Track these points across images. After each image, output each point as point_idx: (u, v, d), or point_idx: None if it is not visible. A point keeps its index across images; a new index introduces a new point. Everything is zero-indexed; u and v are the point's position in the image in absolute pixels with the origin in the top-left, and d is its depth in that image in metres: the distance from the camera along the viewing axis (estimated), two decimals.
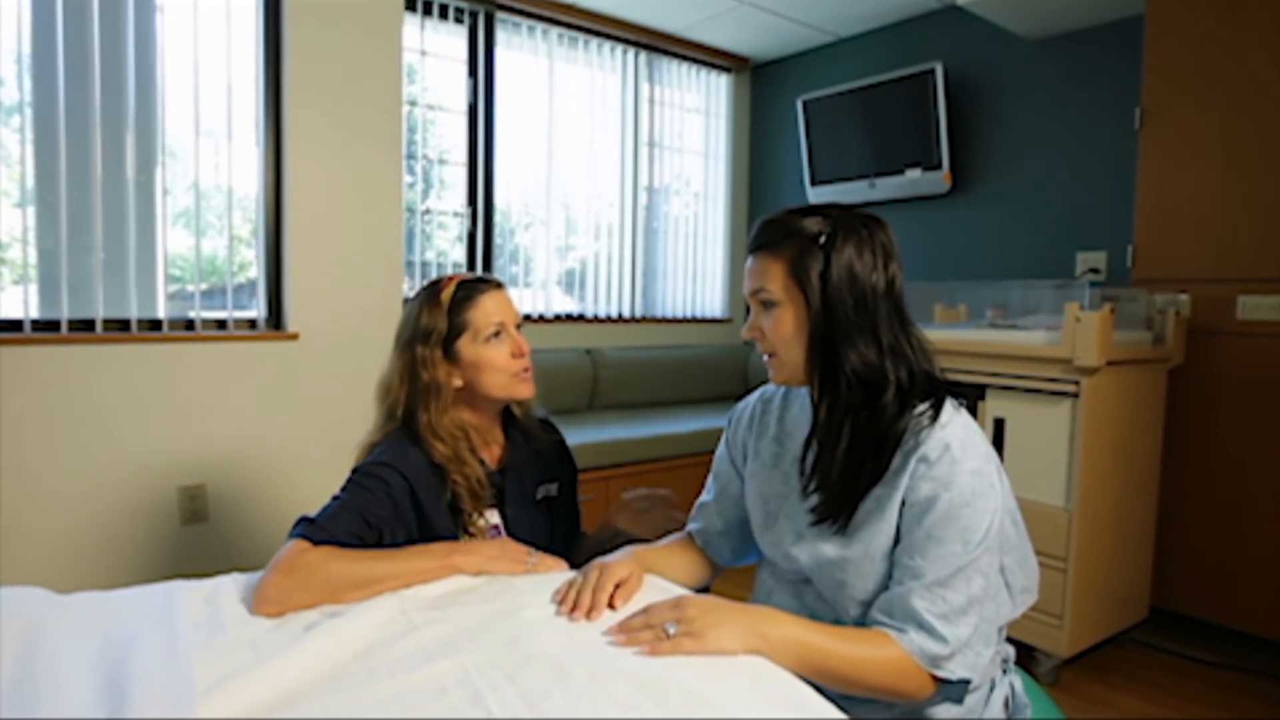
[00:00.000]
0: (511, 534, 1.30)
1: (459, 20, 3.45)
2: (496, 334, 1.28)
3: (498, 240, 3.65)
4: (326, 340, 2.64)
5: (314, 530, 1.07)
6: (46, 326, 2.28)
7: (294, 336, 2.59)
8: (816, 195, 3.93)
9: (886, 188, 3.62)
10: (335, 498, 1.16)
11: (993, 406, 2.24)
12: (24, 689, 0.80)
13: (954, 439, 0.95)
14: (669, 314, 4.25)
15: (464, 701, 0.77)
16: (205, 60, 2.50)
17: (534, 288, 3.80)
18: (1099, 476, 2.13)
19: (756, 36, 4.00)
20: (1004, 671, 1.09)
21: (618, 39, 3.90)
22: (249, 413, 2.53)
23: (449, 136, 3.50)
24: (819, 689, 0.86)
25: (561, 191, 3.86)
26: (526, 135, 3.68)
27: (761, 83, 4.43)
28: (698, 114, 4.35)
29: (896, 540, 0.97)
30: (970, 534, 0.92)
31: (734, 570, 1.29)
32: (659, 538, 1.29)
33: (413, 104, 3.35)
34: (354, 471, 1.20)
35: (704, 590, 1.26)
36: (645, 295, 4.16)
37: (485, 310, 1.28)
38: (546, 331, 3.72)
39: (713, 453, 1.29)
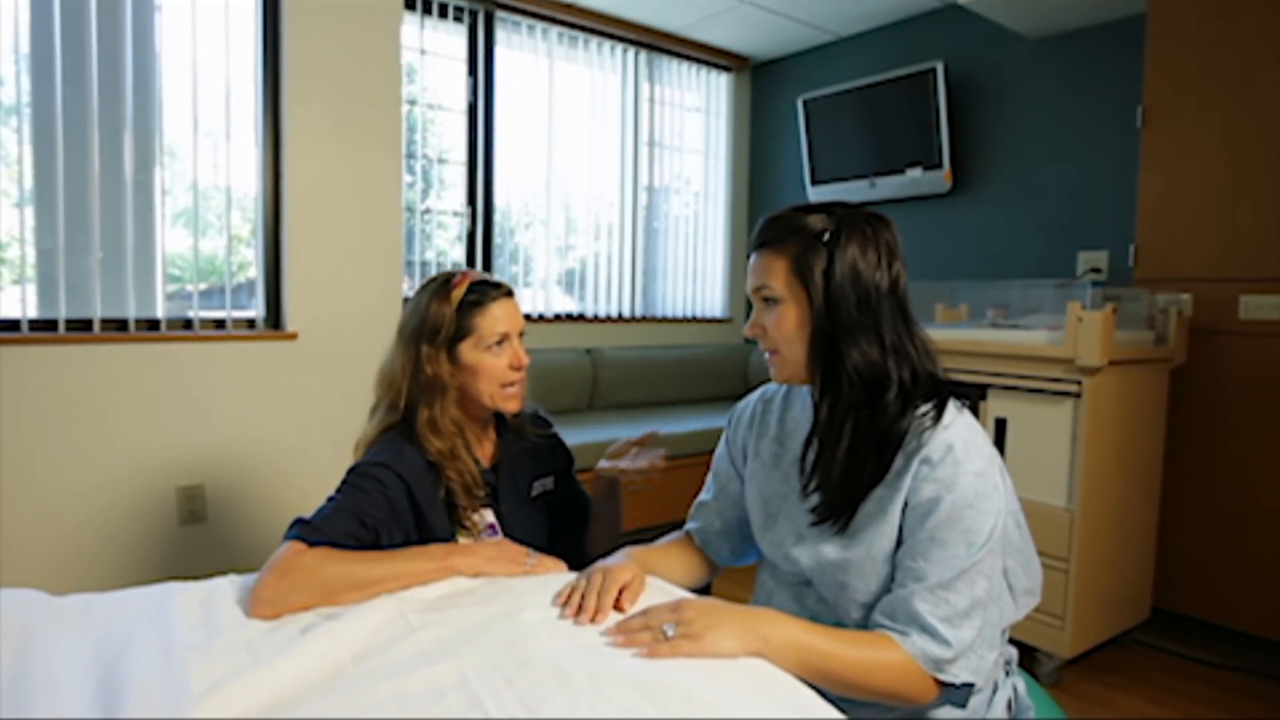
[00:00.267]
0: (507, 532, 1.29)
1: (458, 19, 3.45)
2: (499, 343, 1.27)
3: (497, 240, 3.64)
4: (326, 340, 2.63)
5: (310, 532, 1.07)
6: (44, 326, 2.27)
7: (293, 336, 2.58)
8: (817, 194, 3.92)
9: (887, 187, 3.61)
10: (331, 499, 1.15)
11: (994, 406, 2.23)
12: (18, 691, 0.79)
13: (957, 440, 0.94)
14: (669, 314, 4.24)
15: (462, 704, 0.76)
16: (204, 59, 2.49)
17: (534, 287, 3.79)
18: (1101, 477, 2.13)
19: (757, 35, 4.00)
20: (1006, 674, 1.08)
21: (618, 38, 3.90)
22: (248, 412, 2.52)
23: (449, 136, 3.49)
24: (820, 692, 0.85)
25: (561, 191, 3.85)
26: (526, 135, 3.68)
27: (762, 82, 4.42)
28: (698, 113, 4.34)
29: (899, 542, 0.96)
30: (974, 536, 0.91)
31: (734, 570, 1.28)
32: (644, 477, 1.37)
33: (412, 103, 3.34)
34: (349, 472, 1.20)
35: (704, 590, 1.25)
36: (645, 295, 4.16)
37: (493, 317, 1.27)
38: (546, 331, 3.71)
39: (712, 452, 1.29)
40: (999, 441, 2.21)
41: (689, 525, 1.25)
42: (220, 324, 2.57)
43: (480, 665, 0.83)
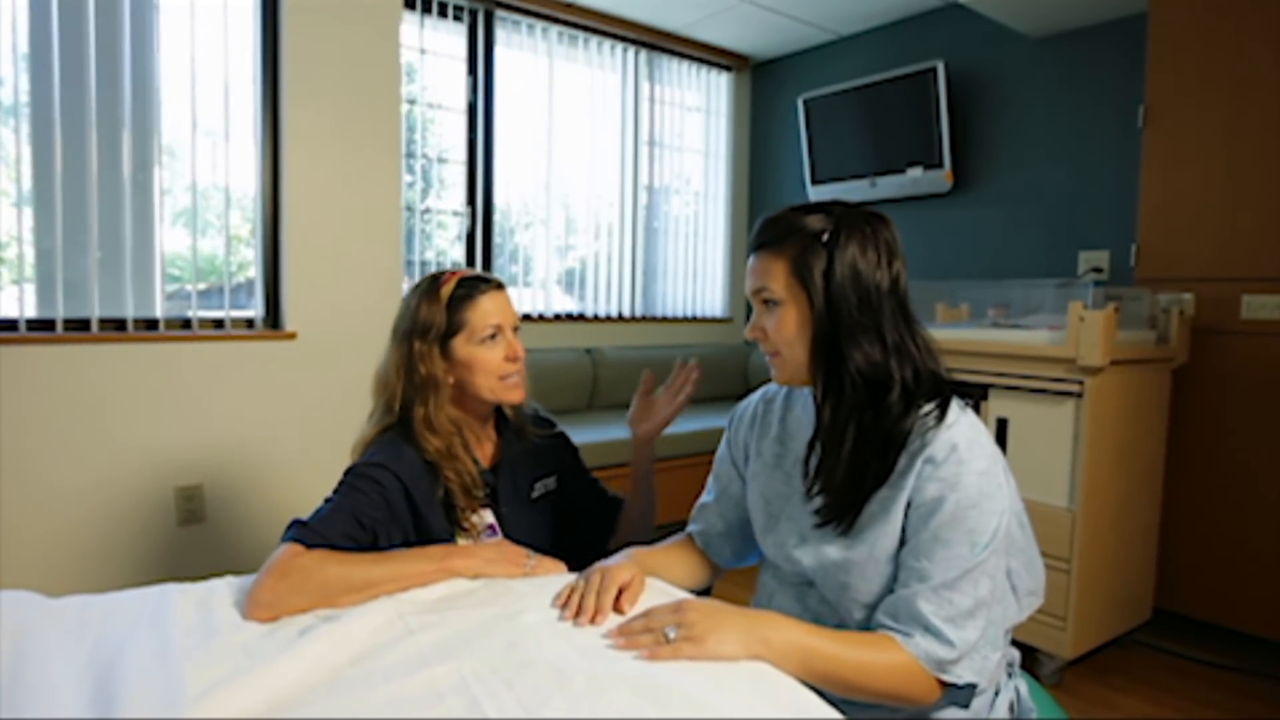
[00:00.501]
0: (507, 534, 1.28)
1: (458, 18, 3.44)
2: (492, 336, 1.26)
3: (497, 239, 3.64)
4: (325, 339, 2.63)
5: (307, 533, 1.06)
6: (42, 326, 2.26)
7: (292, 336, 2.57)
8: (817, 194, 3.92)
9: (887, 187, 3.60)
10: (328, 500, 1.14)
11: (995, 406, 2.23)
12: (13, 694, 0.78)
13: (961, 439, 0.94)
14: (669, 313, 4.24)
15: (461, 707, 0.76)
16: (203, 58, 2.49)
17: (534, 287, 3.78)
18: (1103, 477, 2.12)
19: (757, 35, 3.99)
20: (1009, 675, 1.07)
21: (618, 37, 3.89)
22: (247, 412, 2.51)
23: (448, 135, 3.48)
24: (822, 694, 0.84)
25: (561, 190, 3.84)
26: (526, 134, 3.67)
27: (762, 81, 4.41)
28: (698, 113, 4.33)
29: (902, 542, 0.96)
30: (977, 536, 0.91)
31: (736, 572, 1.28)
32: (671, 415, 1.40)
33: (412, 102, 3.33)
34: (347, 472, 1.19)
35: (705, 591, 1.25)
36: (645, 294, 4.15)
37: (483, 310, 1.27)
38: (546, 331, 3.71)
39: (713, 453, 1.28)
40: (1000, 442, 2.20)
41: (690, 528, 1.25)
42: (219, 324, 2.56)
43: (479, 668, 0.82)
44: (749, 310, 1.05)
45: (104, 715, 0.74)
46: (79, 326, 2.31)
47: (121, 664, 0.83)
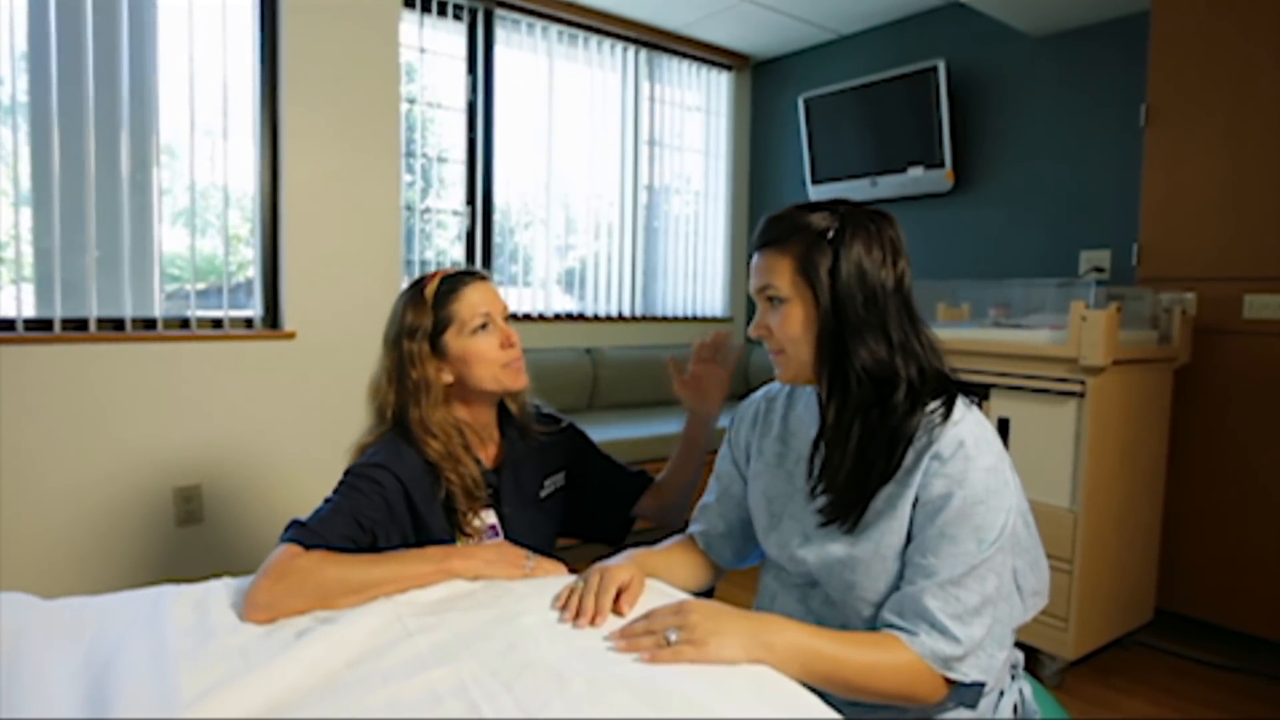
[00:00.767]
0: (509, 534, 1.27)
1: (458, 17, 3.43)
2: (484, 325, 1.25)
3: (497, 239, 3.63)
4: (324, 339, 2.62)
5: (306, 534, 1.05)
6: (40, 326, 2.25)
7: (291, 335, 2.56)
8: (818, 194, 3.91)
9: (888, 186, 3.59)
10: (327, 500, 1.13)
11: (997, 406, 2.22)
12: (7, 696, 0.78)
13: (967, 435, 0.93)
14: (669, 313, 4.23)
15: (460, 711, 0.75)
16: (201, 57, 2.48)
17: (534, 287, 3.78)
18: (1105, 477, 2.11)
19: (757, 34, 3.98)
20: (1013, 677, 1.06)
21: (618, 36, 3.88)
22: (246, 412, 2.51)
23: (448, 134, 3.48)
24: (825, 696, 0.84)
25: (561, 190, 3.83)
26: (526, 133, 3.66)
27: (762, 80, 4.41)
28: (698, 112, 4.32)
29: (908, 540, 0.95)
30: (984, 532, 0.90)
31: (737, 572, 1.27)
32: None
33: (412, 102, 3.33)
34: (346, 473, 1.18)
35: (708, 592, 1.24)
36: (645, 294, 4.14)
37: (470, 302, 1.26)
38: (546, 330, 3.70)
39: (714, 453, 1.27)
40: (1002, 442, 2.19)
41: (691, 528, 1.24)
42: (218, 323, 2.55)
43: (478, 670, 0.82)
44: (749, 310, 1.04)
45: (98, 717, 0.74)
46: (77, 326, 2.30)
47: (116, 666, 0.83)
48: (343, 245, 2.64)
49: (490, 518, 1.27)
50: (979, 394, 2.25)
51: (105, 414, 2.28)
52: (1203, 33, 2.34)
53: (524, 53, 3.64)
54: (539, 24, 3.64)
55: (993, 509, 0.91)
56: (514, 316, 3.63)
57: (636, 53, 3.99)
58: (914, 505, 0.94)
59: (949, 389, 0.97)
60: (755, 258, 1.03)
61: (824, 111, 3.79)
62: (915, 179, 3.49)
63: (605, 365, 3.75)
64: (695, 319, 4.32)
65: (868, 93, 3.58)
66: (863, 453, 0.96)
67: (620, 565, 1.03)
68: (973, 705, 0.95)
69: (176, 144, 2.51)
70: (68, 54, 2.26)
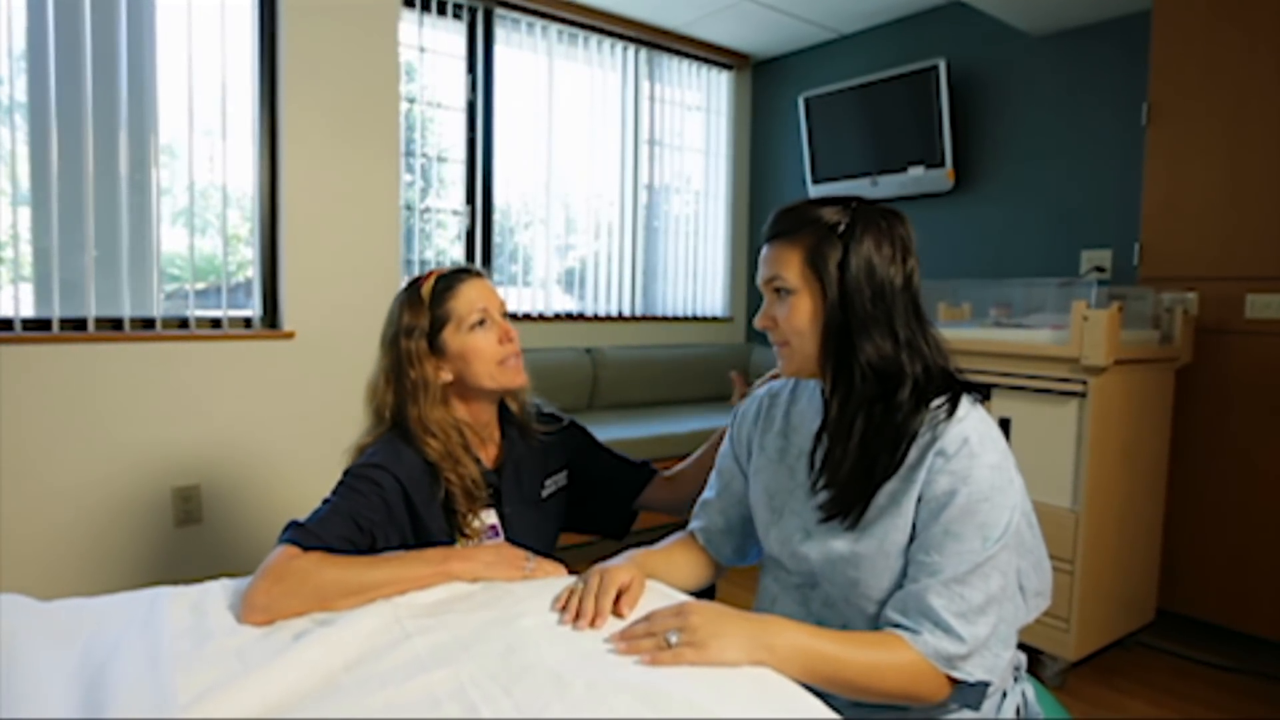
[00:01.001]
0: (510, 535, 1.27)
1: (457, 17, 3.42)
2: (481, 321, 1.25)
3: (497, 239, 3.62)
4: (323, 339, 2.61)
5: (304, 535, 1.04)
6: (38, 325, 2.25)
7: (290, 335, 2.56)
8: (818, 193, 3.88)
9: (889, 185, 3.59)
10: (326, 501, 1.12)
11: (998, 406, 2.21)
12: (2, 699, 0.77)
13: (972, 433, 0.93)
14: (669, 313, 4.22)
15: (459, 713, 0.74)
16: (200, 57, 2.47)
17: (534, 286, 3.77)
18: (1106, 477, 2.11)
19: (757, 33, 3.97)
20: (1015, 679, 1.06)
21: (618, 36, 3.87)
22: (245, 412, 2.50)
23: (448, 134, 3.47)
24: (827, 698, 0.83)
25: (561, 190, 3.83)
26: (526, 133, 3.66)
27: (763, 80, 4.40)
28: (698, 111, 4.32)
29: (911, 538, 0.94)
30: (989, 530, 0.90)
31: (738, 573, 1.26)
32: None
33: (411, 101, 3.32)
34: (345, 474, 1.17)
35: (710, 590, 1.23)
36: (645, 294, 4.13)
37: (467, 298, 1.25)
38: (546, 330, 3.69)
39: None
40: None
41: (692, 524, 1.24)
42: (216, 323, 2.54)
43: (477, 673, 0.81)
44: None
45: (93, 719, 0.73)
46: (75, 326, 2.30)
47: (112, 668, 0.82)
48: (342, 245, 2.64)
49: (491, 518, 1.27)
50: (983, 393, 2.24)
51: (104, 414, 2.28)
52: (1204, 31, 2.34)
53: (524, 52, 3.63)
54: (539, 23, 3.63)
55: (997, 506, 0.91)
56: (514, 316, 3.64)
57: (636, 52, 3.98)
58: (918, 503, 0.94)
59: (954, 387, 0.97)
60: (765, 249, 1.02)
61: (824, 111, 3.79)
62: (916, 178, 3.49)
63: (605, 365, 3.74)
64: (695, 319, 4.31)
65: (868, 92, 3.57)
66: (866, 448, 0.96)
67: (620, 566, 1.02)
68: (976, 706, 0.94)
69: (175, 143, 2.50)
70: (66, 53, 2.26)
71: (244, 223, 2.66)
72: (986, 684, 0.91)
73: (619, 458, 1.48)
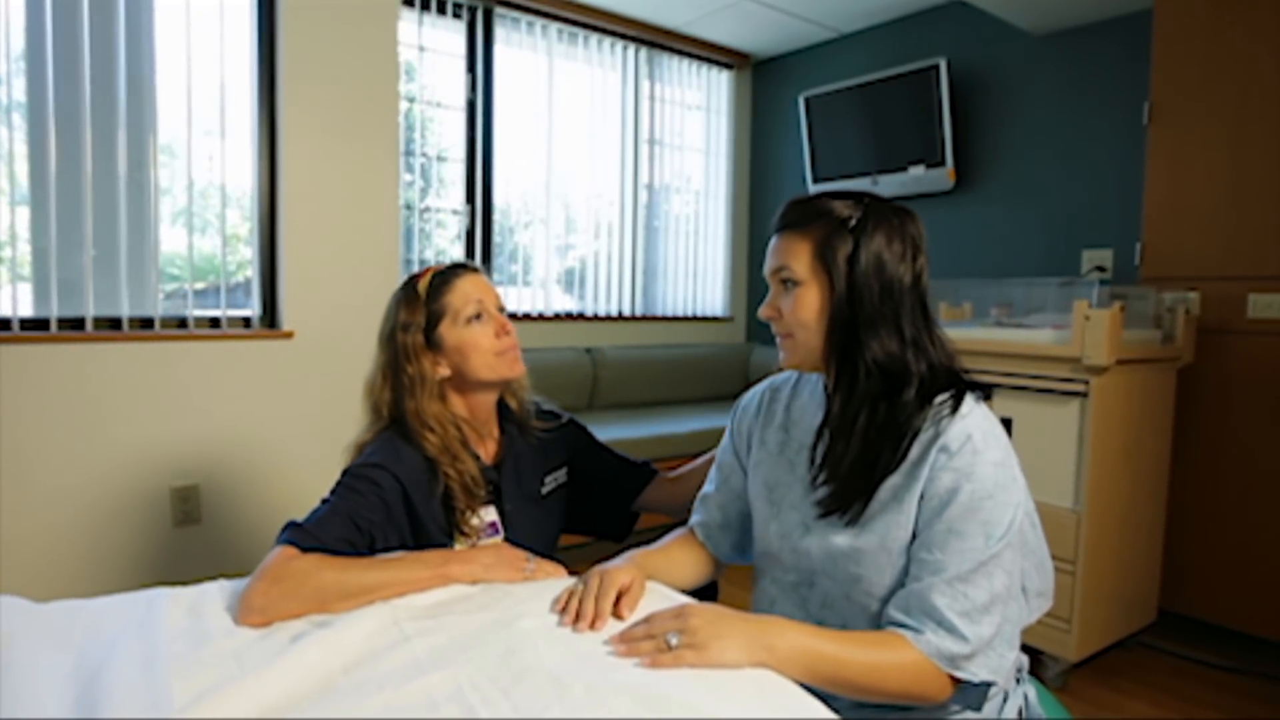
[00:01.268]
0: (511, 532, 1.26)
1: (457, 16, 3.42)
2: (477, 315, 1.25)
3: (497, 238, 3.62)
4: (322, 339, 2.60)
5: (302, 536, 1.03)
6: (36, 325, 2.24)
7: (289, 335, 2.55)
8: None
9: (889, 185, 3.58)
10: (325, 501, 1.12)
11: (999, 406, 2.21)
12: None
13: (975, 429, 0.92)
14: (669, 312, 4.22)
15: (457, 716, 0.74)
16: (199, 57, 2.46)
17: (533, 286, 3.76)
18: (1108, 477, 2.10)
19: (758, 32, 3.97)
20: (1018, 681, 1.05)
21: (618, 35, 3.87)
22: (244, 412, 2.49)
23: (448, 133, 3.46)
24: (828, 699, 0.82)
25: (561, 189, 3.82)
26: (526, 132, 3.65)
27: (763, 79, 4.39)
28: (698, 111, 4.31)
29: (913, 536, 0.94)
30: (993, 527, 0.89)
31: (739, 573, 1.26)
32: None
33: (411, 101, 3.31)
34: (344, 473, 1.17)
35: (711, 587, 1.23)
36: (645, 293, 4.13)
37: (463, 292, 1.25)
38: (546, 330, 3.69)
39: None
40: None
41: (692, 519, 1.23)
42: (215, 323, 2.54)
43: (476, 676, 0.80)
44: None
45: None
46: (74, 326, 2.29)
47: (107, 671, 0.81)
48: (341, 244, 2.63)
49: (490, 515, 1.26)
50: (986, 391, 2.24)
51: (102, 414, 2.27)
52: (1206, 30, 2.33)
53: (524, 51, 3.63)
54: (539, 22, 3.62)
55: (1000, 504, 0.90)
56: (514, 316, 3.63)
57: (636, 51, 3.98)
58: (920, 500, 0.93)
59: (959, 386, 0.97)
60: (774, 240, 1.02)
61: (825, 110, 3.78)
62: (916, 178, 3.48)
63: (605, 365, 3.74)
64: (695, 318, 4.30)
65: (869, 91, 3.56)
66: (867, 443, 0.95)
67: (620, 568, 1.01)
68: (978, 707, 0.94)
69: (175, 143, 2.50)
70: (65, 53, 2.25)
71: (243, 222, 2.66)
72: (990, 684, 0.90)
73: (619, 457, 1.48)
